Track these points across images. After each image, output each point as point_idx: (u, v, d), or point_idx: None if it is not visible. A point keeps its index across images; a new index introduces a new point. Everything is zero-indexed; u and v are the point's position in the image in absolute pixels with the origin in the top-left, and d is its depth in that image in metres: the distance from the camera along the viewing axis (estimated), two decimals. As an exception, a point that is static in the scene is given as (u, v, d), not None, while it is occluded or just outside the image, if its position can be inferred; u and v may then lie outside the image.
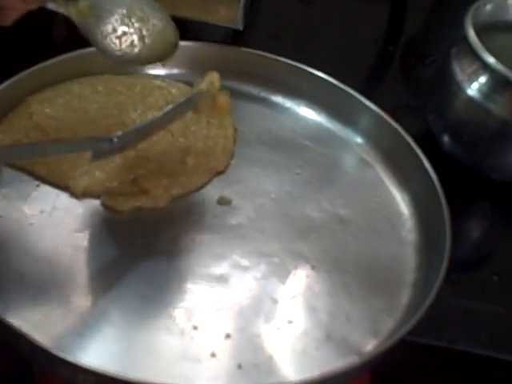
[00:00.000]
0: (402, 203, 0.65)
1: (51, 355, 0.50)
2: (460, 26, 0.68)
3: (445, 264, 0.57)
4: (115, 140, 0.58)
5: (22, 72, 0.65)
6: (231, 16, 0.70)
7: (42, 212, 0.60)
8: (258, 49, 0.73)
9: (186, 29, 0.75)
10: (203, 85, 0.62)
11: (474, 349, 0.59)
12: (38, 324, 0.53)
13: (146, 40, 0.59)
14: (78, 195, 0.61)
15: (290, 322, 0.56)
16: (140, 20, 0.59)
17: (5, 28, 0.57)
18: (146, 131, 0.61)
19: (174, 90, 0.69)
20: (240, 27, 0.71)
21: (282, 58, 0.72)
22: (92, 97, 0.67)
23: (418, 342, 0.58)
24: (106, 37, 0.58)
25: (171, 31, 0.60)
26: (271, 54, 0.72)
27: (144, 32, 0.59)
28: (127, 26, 0.58)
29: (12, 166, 0.62)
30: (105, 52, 0.59)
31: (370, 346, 0.55)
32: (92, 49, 0.60)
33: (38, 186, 0.61)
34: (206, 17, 0.71)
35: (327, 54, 0.80)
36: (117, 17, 0.58)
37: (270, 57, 0.72)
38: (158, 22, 0.59)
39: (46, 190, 0.61)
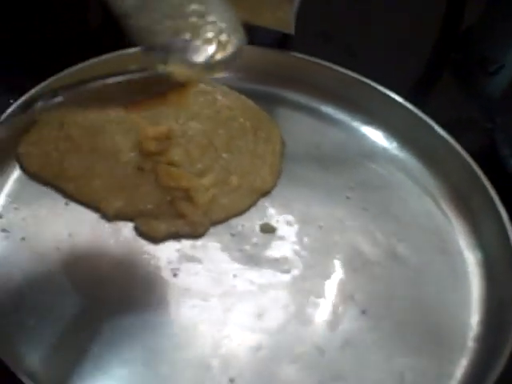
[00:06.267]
0: (466, 245, 0.58)
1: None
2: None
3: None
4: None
5: (55, 75, 0.59)
6: (284, 19, 0.64)
7: (70, 235, 0.54)
8: (307, 51, 0.67)
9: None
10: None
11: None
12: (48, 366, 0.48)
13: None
14: (109, 217, 0.55)
15: (337, 377, 0.50)
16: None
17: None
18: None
19: (219, 97, 0.62)
20: (292, 32, 0.65)
21: (334, 66, 0.66)
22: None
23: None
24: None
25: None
26: (320, 56, 0.66)
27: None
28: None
29: (40, 180, 0.57)
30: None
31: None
32: (125, 50, 0.58)
33: (67, 204, 0.56)
34: (258, 20, 0.64)
35: (379, 57, 0.74)
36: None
37: (321, 63, 0.66)
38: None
39: (75, 208, 0.56)
